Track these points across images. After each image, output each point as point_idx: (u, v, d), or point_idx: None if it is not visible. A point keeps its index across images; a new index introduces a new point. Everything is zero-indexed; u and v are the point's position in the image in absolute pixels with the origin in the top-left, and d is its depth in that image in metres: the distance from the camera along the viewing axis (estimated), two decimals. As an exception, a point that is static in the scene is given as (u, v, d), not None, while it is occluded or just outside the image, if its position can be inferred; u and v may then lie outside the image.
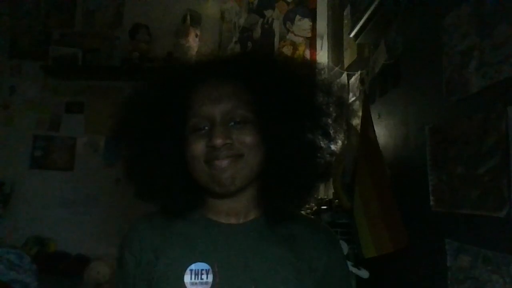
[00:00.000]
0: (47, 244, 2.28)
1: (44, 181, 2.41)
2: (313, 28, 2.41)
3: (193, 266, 0.71)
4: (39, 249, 2.23)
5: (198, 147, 0.72)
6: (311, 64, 0.87)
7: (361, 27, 1.48)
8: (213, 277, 0.70)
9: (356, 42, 1.62)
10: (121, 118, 0.80)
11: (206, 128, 0.72)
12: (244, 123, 0.72)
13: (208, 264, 0.71)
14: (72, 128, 2.46)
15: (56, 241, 2.31)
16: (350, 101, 1.75)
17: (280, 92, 0.73)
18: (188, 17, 2.38)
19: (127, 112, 0.80)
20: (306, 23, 2.42)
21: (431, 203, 0.98)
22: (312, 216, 1.36)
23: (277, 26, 2.45)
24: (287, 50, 2.39)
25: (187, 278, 0.70)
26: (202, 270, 0.71)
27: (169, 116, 0.74)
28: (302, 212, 1.17)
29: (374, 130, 1.25)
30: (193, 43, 2.31)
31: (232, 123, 0.72)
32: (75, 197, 2.40)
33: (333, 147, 0.77)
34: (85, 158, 2.44)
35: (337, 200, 1.44)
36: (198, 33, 2.36)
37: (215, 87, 0.73)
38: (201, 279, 0.70)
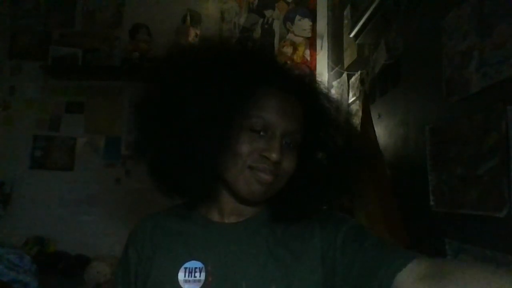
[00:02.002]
0: (47, 244, 2.28)
1: (44, 181, 2.41)
2: (313, 28, 2.42)
3: (187, 264, 0.72)
4: (39, 249, 2.23)
5: (248, 148, 0.69)
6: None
7: (361, 27, 1.48)
8: (206, 275, 0.71)
9: (356, 42, 1.62)
10: (172, 90, 0.71)
11: (262, 134, 0.70)
12: (293, 147, 0.73)
13: (202, 262, 0.72)
14: (72, 128, 2.46)
15: (56, 241, 2.31)
16: (350, 101, 1.76)
17: (325, 120, 0.76)
18: (188, 17, 2.38)
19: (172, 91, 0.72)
20: (306, 23, 2.43)
21: (431, 203, 0.98)
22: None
23: (277, 26, 2.45)
24: (287, 50, 2.39)
25: (180, 276, 0.71)
26: (195, 268, 0.72)
27: (226, 107, 0.68)
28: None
29: (374, 130, 1.25)
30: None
31: (284, 143, 0.71)
32: (75, 197, 2.40)
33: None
34: (85, 158, 2.44)
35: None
36: (198, 33, 2.36)
37: (288, 102, 0.73)
38: (194, 277, 0.71)
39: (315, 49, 2.40)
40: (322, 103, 0.78)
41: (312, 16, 2.42)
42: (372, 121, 1.27)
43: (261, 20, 2.46)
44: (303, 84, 0.78)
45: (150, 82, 0.76)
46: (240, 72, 0.70)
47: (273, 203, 0.76)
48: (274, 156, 0.68)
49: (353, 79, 1.74)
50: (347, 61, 1.88)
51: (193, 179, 0.71)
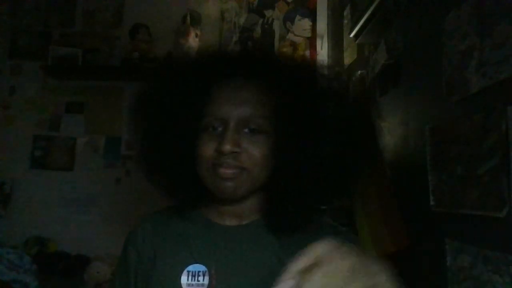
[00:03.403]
0: (47, 244, 2.28)
1: (44, 181, 2.41)
2: (313, 28, 2.41)
3: (190, 268, 0.71)
4: (39, 249, 2.23)
5: (207, 149, 0.69)
6: (336, 72, 0.82)
7: (361, 27, 1.48)
8: (209, 279, 0.70)
9: (356, 42, 1.62)
10: (140, 105, 0.78)
11: (220, 129, 0.69)
12: (258, 132, 0.69)
13: (206, 266, 0.71)
14: (72, 128, 2.46)
15: (56, 241, 2.31)
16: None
17: (305, 103, 0.69)
18: (188, 17, 2.38)
19: (146, 100, 0.78)
20: (306, 23, 2.42)
21: (431, 203, 0.98)
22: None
23: (277, 26, 2.45)
24: (287, 50, 2.39)
25: (183, 279, 0.70)
26: (199, 271, 0.70)
27: (186, 109, 0.71)
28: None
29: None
30: (193, 43, 2.31)
31: (246, 130, 0.69)
32: (75, 197, 2.39)
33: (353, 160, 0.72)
34: (85, 158, 2.44)
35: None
36: (198, 33, 2.36)
37: (236, 89, 0.70)
38: (198, 280, 0.70)
39: (315, 49, 2.40)
40: (302, 83, 0.72)
41: (312, 16, 2.42)
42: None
43: (261, 20, 2.46)
44: (272, 67, 0.73)
45: (139, 92, 0.80)
46: (193, 75, 0.73)
47: (268, 213, 0.74)
48: (223, 148, 0.66)
49: (353, 79, 1.74)
50: (347, 61, 1.88)
51: (175, 182, 0.74)
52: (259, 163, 0.68)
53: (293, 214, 0.72)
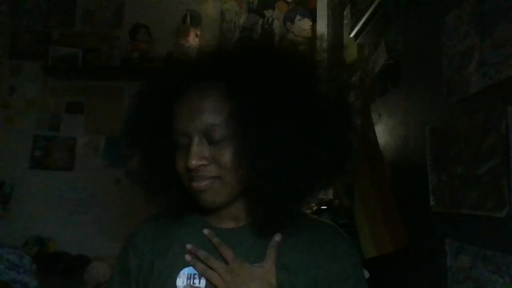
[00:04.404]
0: (47, 244, 2.28)
1: (44, 181, 2.42)
2: (313, 28, 2.42)
3: (186, 270, 0.71)
4: (39, 249, 2.23)
5: (180, 166, 0.70)
6: (311, 61, 0.76)
7: (361, 27, 1.48)
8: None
9: (356, 42, 1.62)
10: (126, 121, 0.80)
11: (187, 144, 0.69)
12: (223, 139, 0.67)
13: None
14: (72, 128, 2.46)
15: (56, 241, 2.32)
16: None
17: (267, 100, 0.65)
18: (188, 17, 2.38)
19: (130, 115, 0.80)
20: (306, 23, 2.43)
21: (431, 203, 0.98)
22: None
23: (277, 26, 2.45)
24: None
25: (179, 282, 0.70)
26: (194, 274, 0.70)
27: (159, 129, 0.73)
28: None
29: (374, 130, 1.25)
30: (193, 43, 2.31)
31: (215, 139, 0.68)
32: (75, 197, 2.40)
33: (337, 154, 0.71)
34: (85, 158, 2.44)
35: (337, 200, 1.44)
36: (198, 33, 2.36)
37: (192, 101, 0.69)
38: (193, 283, 0.70)
39: (315, 49, 2.40)
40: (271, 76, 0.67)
41: (312, 16, 2.42)
42: (372, 121, 1.27)
43: (261, 20, 2.46)
44: (222, 70, 0.70)
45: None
46: (157, 94, 0.75)
47: (254, 214, 0.73)
48: (189, 164, 0.66)
49: (353, 79, 1.74)
50: (347, 61, 1.88)
51: (163, 192, 0.76)
52: (229, 168, 0.67)
53: (275, 212, 0.70)
